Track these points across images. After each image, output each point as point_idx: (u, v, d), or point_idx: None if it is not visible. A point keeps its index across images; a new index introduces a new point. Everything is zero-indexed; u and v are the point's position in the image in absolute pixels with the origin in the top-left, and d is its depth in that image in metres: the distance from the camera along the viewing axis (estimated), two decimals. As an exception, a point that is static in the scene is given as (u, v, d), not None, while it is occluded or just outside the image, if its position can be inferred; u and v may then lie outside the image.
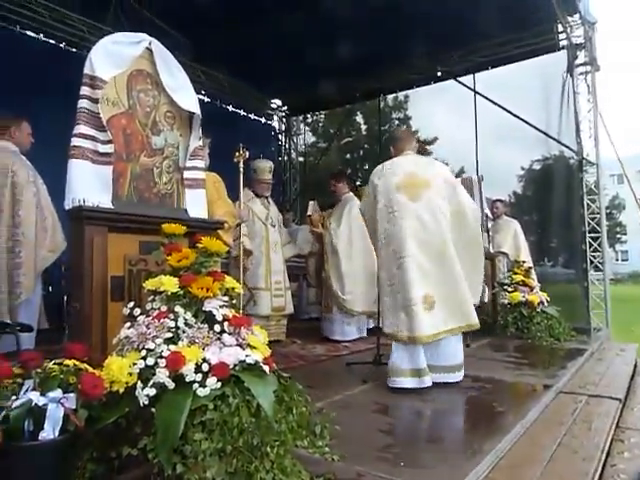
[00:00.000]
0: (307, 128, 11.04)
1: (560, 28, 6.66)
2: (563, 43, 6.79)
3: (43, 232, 3.33)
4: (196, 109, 2.45)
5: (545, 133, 6.97)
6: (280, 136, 10.17)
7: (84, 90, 2.08)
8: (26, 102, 4.69)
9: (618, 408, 3.24)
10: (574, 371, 4.03)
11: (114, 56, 2.17)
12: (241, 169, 4.08)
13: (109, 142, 2.09)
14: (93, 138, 2.06)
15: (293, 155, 10.32)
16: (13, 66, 5.36)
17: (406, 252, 3.23)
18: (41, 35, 6.36)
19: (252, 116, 9.44)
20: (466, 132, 8.57)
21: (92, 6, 6.36)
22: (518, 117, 7.15)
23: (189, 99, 2.45)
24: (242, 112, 9.17)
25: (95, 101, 2.07)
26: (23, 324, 2.85)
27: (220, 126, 4.31)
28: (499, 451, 2.24)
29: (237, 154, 4.03)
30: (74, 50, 6.56)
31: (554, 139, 6.93)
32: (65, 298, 5.98)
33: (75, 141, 2.03)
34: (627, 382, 4.04)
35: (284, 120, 10.20)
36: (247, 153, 4.06)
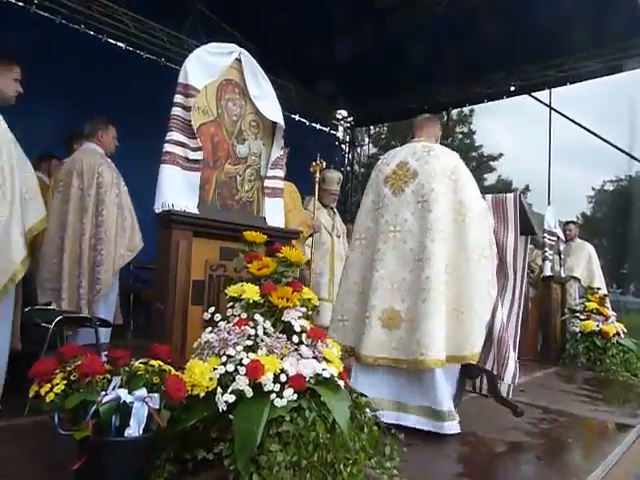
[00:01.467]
0: (370, 140, 11.04)
1: (647, 43, 6.30)
2: (650, 59, 6.41)
3: (122, 232, 3.47)
4: (280, 119, 2.48)
5: (628, 153, 6.58)
6: (344, 146, 10.20)
7: (177, 98, 2.15)
8: (111, 107, 4.96)
9: None
10: (656, 411, 3.73)
11: (207, 66, 2.24)
12: (317, 179, 4.10)
13: (199, 149, 2.15)
14: (184, 145, 2.13)
15: (355, 166, 10.32)
16: (98, 72, 5.70)
17: (378, 255, 2.68)
18: (125, 44, 6.73)
19: (318, 126, 9.52)
20: (533, 149, 8.29)
21: (171, 17, 6.69)
22: (596, 134, 6.80)
23: (273, 109, 2.48)
24: (307, 122, 9.27)
25: (188, 109, 2.14)
26: (102, 319, 2.97)
27: (286, 135, 4.36)
28: (580, 494, 2.09)
29: (314, 164, 4.05)
30: (154, 58, 6.89)
31: (637, 159, 6.53)
32: (132, 296, 6.26)
33: (167, 147, 2.10)
34: None
35: (348, 131, 10.23)
36: (324, 164, 4.08)
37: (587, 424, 3.25)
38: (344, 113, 9.98)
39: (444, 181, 2.65)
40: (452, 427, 2.54)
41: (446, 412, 2.55)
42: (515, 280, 2.93)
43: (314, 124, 9.46)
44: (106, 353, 2.21)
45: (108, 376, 1.63)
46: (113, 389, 1.58)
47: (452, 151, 2.85)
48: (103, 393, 1.55)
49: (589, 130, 6.83)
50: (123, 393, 1.56)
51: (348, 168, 10.13)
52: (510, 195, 2.87)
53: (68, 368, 1.57)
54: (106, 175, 3.44)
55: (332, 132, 9.97)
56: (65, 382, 1.53)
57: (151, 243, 3.61)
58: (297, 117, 9.02)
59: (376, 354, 2.58)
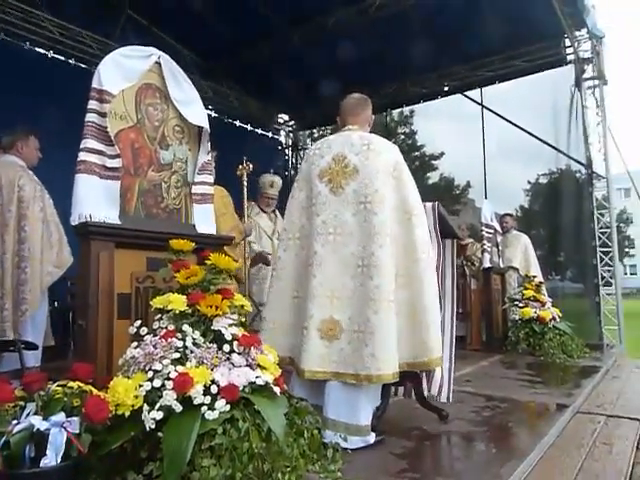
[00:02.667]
0: (312, 143, 11.07)
1: (567, 42, 6.66)
2: (570, 57, 6.79)
3: (49, 248, 3.29)
4: (205, 123, 2.41)
5: (554, 147, 6.94)
6: (287, 151, 10.18)
7: (92, 104, 2.05)
8: (35, 118, 4.70)
9: (638, 429, 3.13)
10: (590, 390, 3.92)
11: (123, 70, 2.14)
12: (244, 182, 4.05)
13: (117, 156, 2.05)
14: (101, 152, 2.03)
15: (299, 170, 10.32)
16: (21, 82, 5.40)
17: (313, 258, 2.44)
18: (51, 52, 6.42)
19: (259, 131, 9.46)
20: (472, 146, 8.57)
21: (100, 23, 6.45)
22: (526, 131, 7.13)
23: (198, 113, 2.41)
24: (249, 127, 9.19)
25: (103, 115, 2.04)
26: (28, 342, 2.80)
27: (227, 141, 4.27)
28: (518, 476, 2.15)
29: (240, 167, 4.01)
30: (83, 66, 6.61)
31: (563, 153, 6.89)
32: (71, 314, 5.96)
33: (82, 155, 2.00)
34: (645, 401, 3.93)
35: (291, 135, 10.22)
36: (250, 166, 4.03)
37: (527, 408, 3.37)
38: (285, 117, 9.98)
39: (387, 180, 2.48)
40: (364, 441, 2.37)
41: (364, 427, 2.38)
42: (444, 288, 2.92)
43: (256, 129, 9.39)
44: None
45: (21, 403, 1.51)
46: (26, 417, 1.48)
47: (391, 144, 2.67)
48: (14, 422, 1.44)
49: (517, 126, 7.15)
50: (37, 420, 1.45)
51: (292, 172, 10.12)
52: (428, 204, 2.80)
53: (-27, 398, 1.45)
54: (27, 188, 3.25)
55: (274, 137, 9.93)
56: (-31, 414, 1.41)
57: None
58: (238, 123, 8.92)
59: (314, 368, 2.35)
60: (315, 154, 2.65)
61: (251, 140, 8.97)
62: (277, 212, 4.99)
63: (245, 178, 4.06)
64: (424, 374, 2.81)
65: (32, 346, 2.85)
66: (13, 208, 3.19)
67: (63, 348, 4.97)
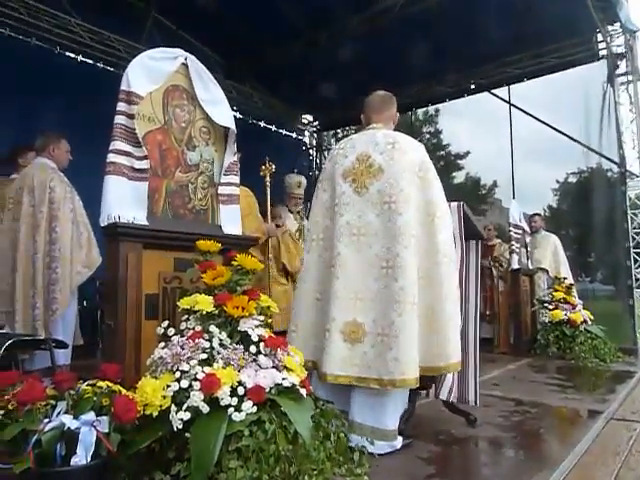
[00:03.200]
0: (336, 143, 11.05)
1: (600, 37, 6.47)
2: (603, 53, 6.58)
3: (78, 248, 3.34)
4: (231, 124, 2.42)
5: (586, 145, 6.73)
6: (311, 151, 10.18)
7: (120, 106, 2.07)
8: (65, 121, 4.82)
9: (676, 437, 3.01)
10: (624, 395, 3.78)
11: (150, 71, 2.16)
12: (267, 183, 4.05)
13: (145, 158, 2.07)
14: (129, 154, 2.05)
15: (323, 170, 10.31)
16: (52, 85, 5.53)
17: (336, 259, 2.39)
18: (80, 56, 6.56)
19: (283, 132, 9.48)
20: (499, 146, 8.41)
21: (128, 26, 6.55)
22: (555, 129, 6.95)
23: (224, 114, 2.42)
24: (273, 128, 9.22)
25: (131, 117, 2.06)
26: (58, 340, 2.85)
27: (252, 142, 4.29)
28: (551, 485, 2.09)
29: (263, 167, 4.01)
30: (111, 69, 6.73)
31: (595, 151, 6.69)
32: (99, 313, 6.07)
33: (111, 157, 2.02)
34: (683, 408, 3.78)
35: (315, 135, 10.22)
36: (273, 166, 4.03)
37: (558, 413, 3.28)
38: (310, 118, 9.97)
39: (412, 179, 2.41)
40: (391, 447, 2.33)
41: (390, 432, 2.34)
42: (467, 290, 2.85)
43: (280, 130, 9.41)
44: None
45: (52, 402, 1.54)
46: (57, 415, 1.49)
47: (417, 142, 2.61)
48: (46, 421, 1.46)
49: (546, 124, 6.98)
50: (67, 419, 1.47)
51: (317, 172, 10.11)
52: (453, 204, 2.73)
53: (6, 397, 1.47)
54: (58, 190, 3.32)
55: (299, 137, 9.93)
56: (2, 412, 1.43)
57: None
58: (262, 124, 8.95)
59: (337, 372, 2.29)
60: (339, 154, 2.60)
61: (275, 140, 9.00)
62: (302, 213, 4.99)
63: (268, 179, 4.06)
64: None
65: (63, 345, 2.90)
66: (44, 209, 3.25)
67: (91, 347, 5.05)
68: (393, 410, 2.37)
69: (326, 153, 10.29)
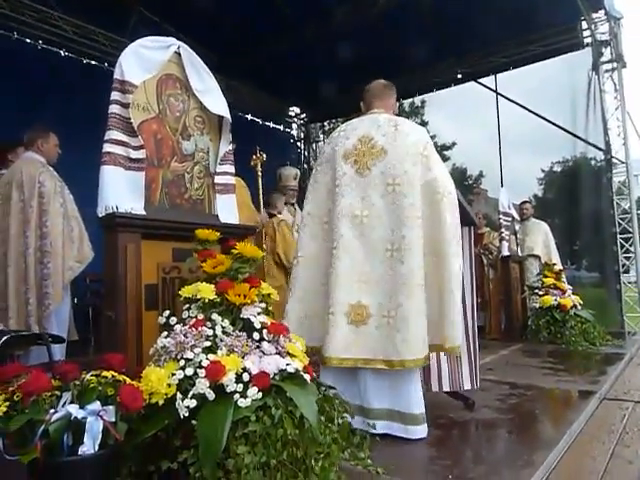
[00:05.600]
0: (325, 136, 11.02)
1: (584, 25, 6.53)
2: (587, 40, 6.66)
3: (70, 243, 3.31)
4: (226, 113, 2.41)
5: (572, 133, 6.81)
6: (299, 144, 10.16)
7: (114, 95, 2.04)
8: (51, 115, 4.74)
9: (668, 415, 3.09)
10: (615, 376, 3.87)
11: (144, 60, 2.14)
12: (259, 172, 4.04)
13: (141, 148, 2.05)
14: (124, 144, 2.03)
15: (312, 163, 10.30)
16: (36, 80, 5.45)
17: (339, 242, 2.35)
18: (63, 50, 6.45)
19: (271, 124, 9.45)
20: (484, 136, 8.47)
21: (112, 20, 6.46)
22: (542, 117, 7.01)
23: (218, 103, 2.41)
24: (260, 121, 9.18)
25: (126, 106, 2.04)
26: (55, 335, 2.81)
27: (240, 135, 4.27)
28: (550, 463, 2.13)
29: (254, 157, 4.00)
30: (94, 63, 6.64)
31: (581, 139, 6.77)
32: (90, 310, 6.03)
33: (107, 147, 2.00)
34: (672, 387, 3.87)
35: (303, 128, 10.19)
36: (264, 156, 4.02)
37: (552, 395, 3.34)
38: (297, 110, 9.94)
39: (417, 159, 2.38)
40: (423, 431, 2.35)
41: (419, 415, 2.34)
42: (463, 276, 2.82)
43: (267, 123, 9.37)
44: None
45: (57, 393, 1.52)
46: (63, 406, 1.48)
47: (419, 126, 2.60)
48: (52, 411, 1.45)
49: (533, 112, 7.04)
50: (74, 409, 1.45)
51: (305, 165, 10.10)
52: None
53: (11, 388, 1.46)
54: (48, 184, 3.27)
55: (286, 130, 9.91)
56: (8, 403, 1.41)
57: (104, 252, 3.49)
58: (249, 116, 8.90)
59: (342, 354, 2.28)
60: (340, 135, 2.56)
61: (263, 133, 8.97)
62: (296, 205, 4.99)
63: (259, 168, 4.05)
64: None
65: (59, 339, 2.87)
66: (34, 204, 3.21)
67: (84, 343, 5.02)
68: (415, 394, 2.36)
69: (314, 146, 10.27)
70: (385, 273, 2.32)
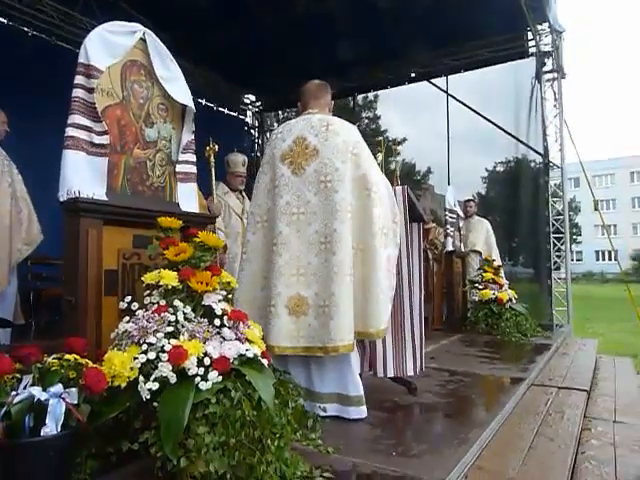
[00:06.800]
0: (278, 124, 11.01)
1: (530, 36, 6.90)
2: (532, 50, 7.04)
3: (18, 224, 3.23)
4: (190, 102, 2.43)
5: (514, 136, 7.21)
6: (253, 131, 10.11)
7: (78, 79, 2.02)
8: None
9: (585, 399, 3.42)
10: (542, 365, 4.22)
11: (109, 45, 2.12)
12: (212, 163, 4.05)
13: (105, 133, 2.04)
14: (88, 129, 2.01)
15: (265, 151, 10.28)
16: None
17: (278, 238, 2.51)
18: (7, 19, 6.08)
19: (225, 111, 9.33)
20: (433, 134, 8.76)
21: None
22: (489, 120, 7.37)
23: (182, 92, 2.42)
24: (215, 106, 9.05)
25: (90, 90, 2.02)
26: (1, 318, 2.75)
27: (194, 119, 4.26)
28: (483, 440, 2.34)
29: (207, 148, 4.00)
30: (43, 36, 6.31)
31: (522, 142, 7.19)
32: (32, 294, 5.78)
33: (69, 131, 1.98)
34: (591, 375, 4.27)
35: (257, 116, 10.14)
36: (217, 147, 4.03)
37: (487, 381, 3.61)
38: (252, 98, 9.87)
39: (346, 157, 2.54)
40: (361, 412, 2.53)
41: (355, 397, 2.54)
42: (412, 270, 3.03)
43: (222, 109, 9.25)
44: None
45: (18, 375, 1.54)
46: (24, 388, 1.50)
47: (350, 124, 2.73)
48: (13, 393, 1.47)
49: (479, 113, 7.38)
50: (37, 391, 1.48)
51: (259, 154, 10.07)
52: (398, 188, 2.90)
53: (-30, 371, 1.46)
54: (-5, 163, 3.16)
55: (241, 117, 9.82)
56: (-32, 386, 1.42)
57: (51, 235, 3.38)
58: (204, 101, 8.75)
59: (282, 343, 2.44)
60: (277, 137, 2.70)
61: (217, 119, 8.84)
62: (244, 192, 5.01)
63: (212, 159, 4.06)
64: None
65: (4, 323, 2.80)
66: (-20, 183, 3.10)
67: (26, 328, 4.85)
68: (351, 377, 2.55)
69: (268, 134, 10.25)
70: (320, 264, 2.48)
